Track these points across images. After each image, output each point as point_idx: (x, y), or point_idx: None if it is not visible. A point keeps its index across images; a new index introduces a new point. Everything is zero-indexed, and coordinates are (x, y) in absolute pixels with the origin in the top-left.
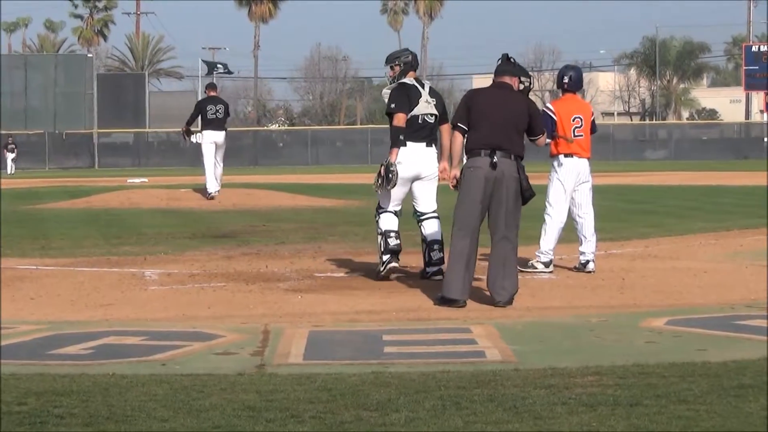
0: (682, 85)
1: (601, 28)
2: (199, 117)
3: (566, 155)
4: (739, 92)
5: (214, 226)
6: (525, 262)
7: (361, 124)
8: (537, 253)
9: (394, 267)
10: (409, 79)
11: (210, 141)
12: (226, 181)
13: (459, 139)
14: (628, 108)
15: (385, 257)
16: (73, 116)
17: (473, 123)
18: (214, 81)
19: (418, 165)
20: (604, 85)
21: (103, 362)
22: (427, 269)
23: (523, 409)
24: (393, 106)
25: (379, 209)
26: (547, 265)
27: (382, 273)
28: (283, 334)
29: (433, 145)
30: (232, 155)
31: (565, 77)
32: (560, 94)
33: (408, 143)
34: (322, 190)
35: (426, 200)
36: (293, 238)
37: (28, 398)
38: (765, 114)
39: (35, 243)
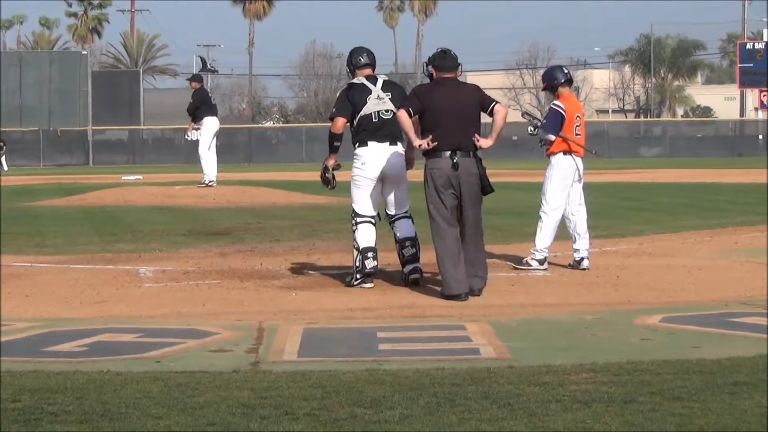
0: (676, 83)
1: (596, 25)
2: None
3: (565, 153)
4: (733, 90)
5: (208, 223)
6: (519, 260)
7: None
8: (531, 251)
9: (368, 287)
10: (358, 79)
11: (215, 128)
12: (220, 179)
13: (406, 117)
14: (623, 105)
15: (359, 277)
16: (67, 113)
17: (430, 124)
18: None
19: (383, 165)
20: (599, 82)
21: (97, 359)
22: (404, 269)
23: (518, 406)
24: (333, 110)
25: (355, 216)
26: (541, 262)
27: (354, 285)
28: (277, 331)
29: (399, 143)
30: (226, 152)
31: (565, 70)
32: (554, 93)
33: (370, 143)
34: (316, 187)
35: (396, 203)
36: (288, 236)
37: (22, 395)
38: (760, 111)
39: (30, 240)
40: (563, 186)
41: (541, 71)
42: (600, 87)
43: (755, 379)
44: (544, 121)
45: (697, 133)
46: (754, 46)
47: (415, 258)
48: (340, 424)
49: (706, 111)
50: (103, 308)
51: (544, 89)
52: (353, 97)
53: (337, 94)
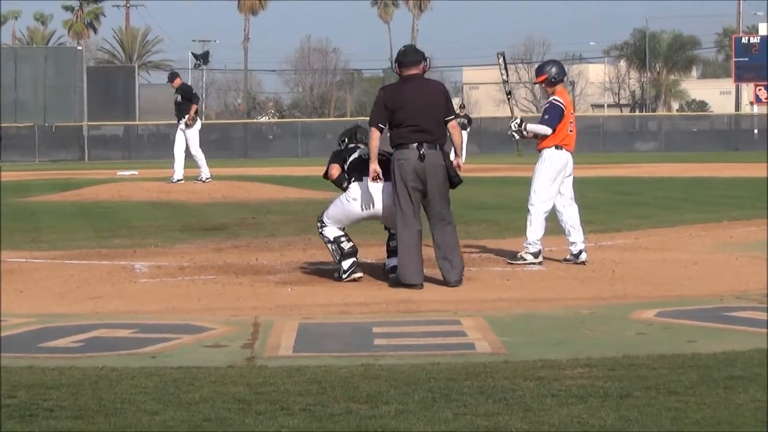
0: (672, 77)
1: (591, 19)
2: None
3: (557, 147)
4: (729, 84)
5: (204, 218)
6: (514, 255)
7: (351, 117)
8: (525, 245)
9: (359, 277)
10: (352, 146)
11: (199, 126)
12: (216, 174)
13: (377, 136)
14: (618, 100)
15: (346, 263)
16: (62, 109)
17: (398, 120)
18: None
19: (374, 201)
20: (594, 76)
21: (92, 355)
22: (388, 261)
23: (513, 401)
24: (326, 168)
25: (321, 222)
26: (536, 255)
27: (345, 279)
28: (273, 326)
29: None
30: (222, 148)
31: (555, 68)
32: (551, 87)
33: (364, 178)
34: (312, 182)
35: (391, 224)
36: (283, 231)
37: (17, 391)
38: (755, 106)
39: (25, 236)
40: (552, 179)
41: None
42: (595, 81)
43: (750, 374)
44: (546, 116)
45: (692, 128)
46: (749, 40)
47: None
48: (336, 420)
49: (702, 105)
50: (99, 304)
51: (538, 83)
52: (344, 151)
53: (332, 154)
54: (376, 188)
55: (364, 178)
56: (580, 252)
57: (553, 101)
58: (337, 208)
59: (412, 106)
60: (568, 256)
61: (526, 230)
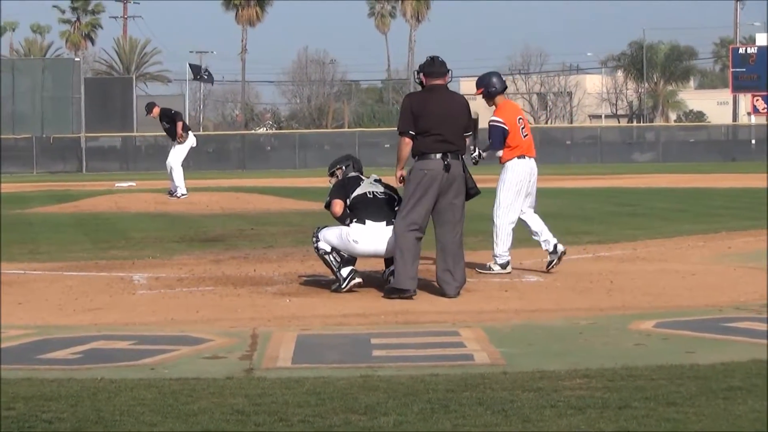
0: (669, 88)
1: (588, 30)
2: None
3: (519, 157)
4: (726, 94)
5: (202, 230)
6: (483, 265)
7: (348, 128)
8: (493, 256)
9: (359, 283)
10: (352, 174)
11: (192, 142)
12: (214, 185)
13: (408, 145)
14: (616, 110)
15: (345, 270)
16: (60, 120)
17: (423, 128)
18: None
19: (377, 244)
20: (591, 87)
21: (91, 367)
22: (387, 269)
23: (512, 412)
24: (327, 198)
25: (317, 238)
26: (504, 266)
27: (345, 289)
28: (271, 337)
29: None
30: (220, 159)
31: (493, 79)
32: (490, 100)
33: (367, 222)
34: (310, 193)
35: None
36: (281, 242)
37: (16, 403)
38: (752, 116)
39: (23, 247)
40: (516, 190)
41: (534, 76)
42: (593, 92)
43: (749, 384)
44: (490, 140)
45: (690, 138)
46: (746, 50)
47: None
48: (335, 431)
49: (699, 116)
50: (97, 315)
51: (478, 94)
52: (347, 184)
53: (331, 187)
54: (380, 232)
55: (367, 221)
56: (556, 245)
57: (491, 123)
58: (337, 238)
59: (437, 116)
60: (548, 259)
61: (493, 244)
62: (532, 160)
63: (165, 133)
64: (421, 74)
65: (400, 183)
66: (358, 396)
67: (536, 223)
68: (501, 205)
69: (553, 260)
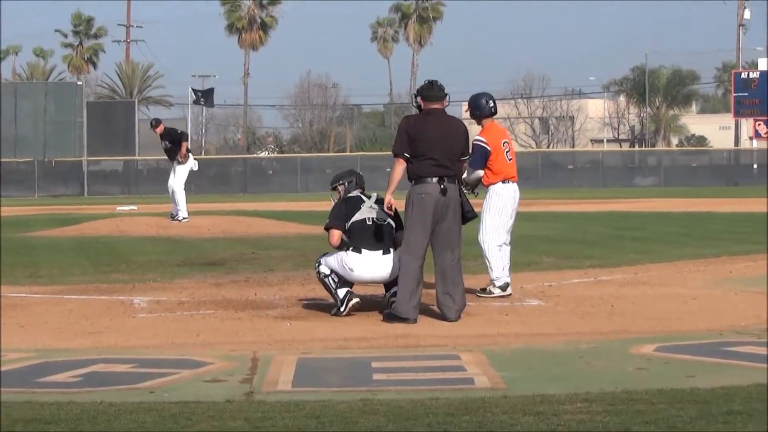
0: (671, 112)
1: (591, 54)
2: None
3: (503, 181)
4: (728, 119)
5: (203, 253)
6: (484, 289)
7: (350, 152)
8: (491, 281)
9: (357, 303)
10: (354, 193)
11: (192, 165)
12: (215, 209)
13: (402, 167)
14: (618, 135)
15: (341, 292)
16: (62, 144)
17: (419, 152)
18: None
19: (373, 272)
20: (594, 111)
21: (91, 390)
22: (388, 292)
23: None
24: (327, 221)
25: (318, 263)
26: (504, 288)
27: (344, 312)
28: (272, 361)
29: (391, 251)
30: (221, 182)
31: (490, 102)
32: (478, 122)
33: (363, 251)
34: (311, 217)
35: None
36: (282, 266)
37: (16, 426)
38: (754, 141)
39: (25, 271)
40: (499, 212)
41: (537, 100)
42: (595, 116)
43: (749, 409)
44: (471, 158)
45: (692, 163)
46: (748, 75)
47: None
48: None
49: (701, 140)
50: (98, 339)
51: (466, 112)
52: (347, 207)
53: (332, 206)
54: (376, 261)
55: (363, 250)
56: (507, 284)
57: (475, 142)
58: (338, 265)
59: (434, 140)
60: (489, 288)
61: (488, 269)
62: (515, 184)
63: (164, 153)
64: (419, 97)
65: (389, 210)
66: (359, 420)
67: (506, 259)
68: (487, 229)
69: (493, 293)
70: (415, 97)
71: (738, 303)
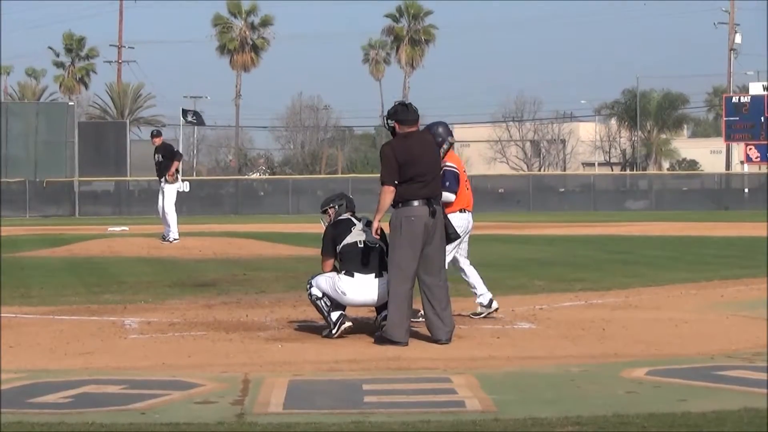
0: (662, 136)
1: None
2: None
3: (461, 210)
4: (719, 143)
5: (194, 274)
6: (475, 313)
7: (342, 173)
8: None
9: (349, 327)
10: (344, 216)
11: (180, 186)
12: (207, 230)
13: (391, 195)
14: (609, 158)
15: (334, 315)
16: (53, 164)
17: (407, 176)
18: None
19: (365, 295)
20: (585, 135)
21: (82, 411)
22: (379, 315)
23: None
24: (321, 247)
25: (310, 285)
26: (488, 305)
27: (335, 335)
28: (263, 383)
29: (384, 274)
30: (213, 204)
31: (440, 129)
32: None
33: (356, 274)
34: (303, 238)
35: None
36: (274, 287)
37: None
38: (745, 165)
39: (15, 291)
40: (458, 239)
41: (528, 124)
42: (586, 140)
43: None
44: (446, 182)
45: (683, 186)
46: (740, 99)
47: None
48: None
49: (692, 164)
50: (88, 360)
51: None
52: (337, 232)
53: (324, 233)
54: (368, 284)
55: (356, 274)
56: (491, 301)
57: (446, 168)
58: (330, 288)
59: (422, 163)
60: (478, 310)
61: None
62: (470, 213)
63: (155, 166)
64: (393, 120)
65: (377, 235)
66: None
67: (473, 276)
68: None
69: (482, 313)
70: (387, 119)
71: (729, 327)
